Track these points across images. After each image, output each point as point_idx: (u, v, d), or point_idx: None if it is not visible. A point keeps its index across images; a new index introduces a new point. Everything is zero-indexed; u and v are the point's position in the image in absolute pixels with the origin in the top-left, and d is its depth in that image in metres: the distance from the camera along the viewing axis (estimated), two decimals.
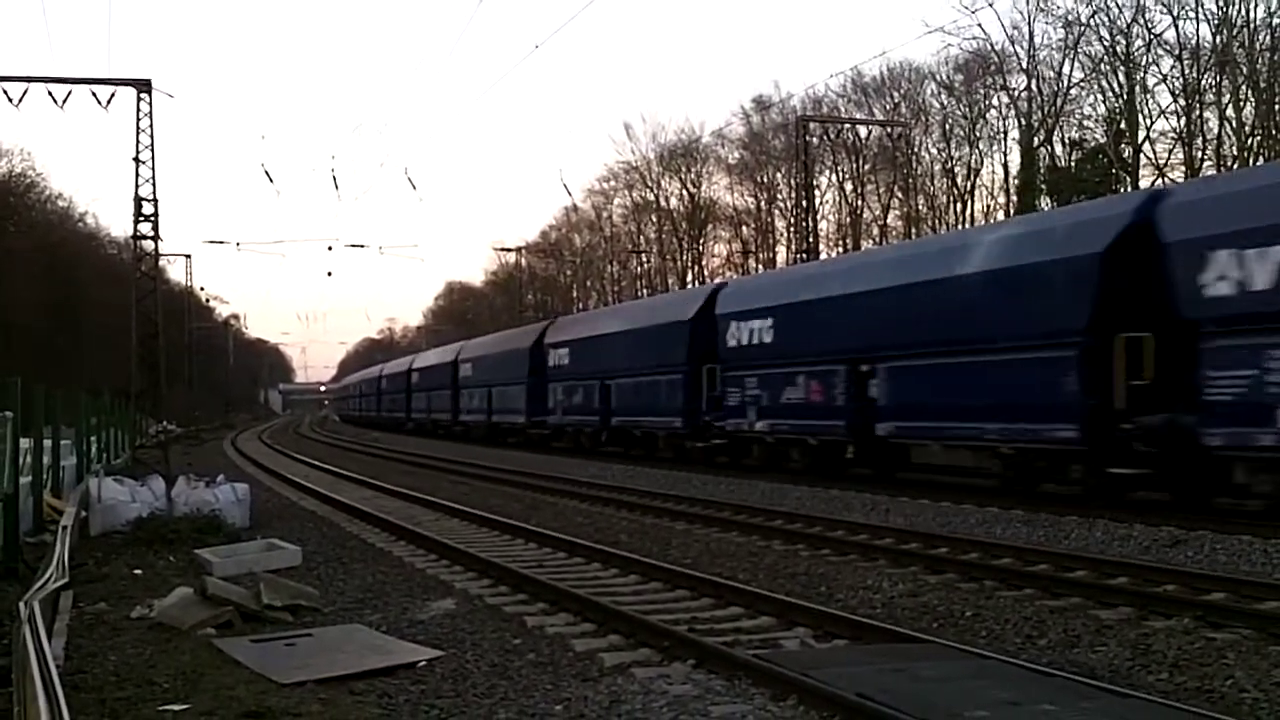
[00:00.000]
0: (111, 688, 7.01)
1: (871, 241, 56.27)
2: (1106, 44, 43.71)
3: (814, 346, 21.42)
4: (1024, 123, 47.41)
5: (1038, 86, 46.84)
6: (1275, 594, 9.17)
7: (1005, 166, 51.56)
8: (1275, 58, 38.80)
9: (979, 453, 17.50)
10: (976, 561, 11.37)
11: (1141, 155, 43.02)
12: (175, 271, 76.62)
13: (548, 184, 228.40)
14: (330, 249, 79.43)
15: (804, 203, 48.93)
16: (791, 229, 59.32)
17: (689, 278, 70.17)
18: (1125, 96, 43.53)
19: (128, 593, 10.51)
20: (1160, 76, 42.90)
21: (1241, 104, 40.30)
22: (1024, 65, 46.96)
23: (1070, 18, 44.37)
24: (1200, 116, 41.59)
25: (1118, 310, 14.81)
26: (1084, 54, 44.77)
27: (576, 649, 7.92)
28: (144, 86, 42.26)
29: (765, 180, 64.76)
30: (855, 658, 7.34)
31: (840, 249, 57.03)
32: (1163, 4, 41.57)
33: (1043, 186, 45.94)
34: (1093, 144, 46.19)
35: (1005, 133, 51.17)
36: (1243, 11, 39.57)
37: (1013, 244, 17.33)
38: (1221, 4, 39.85)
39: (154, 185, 42.39)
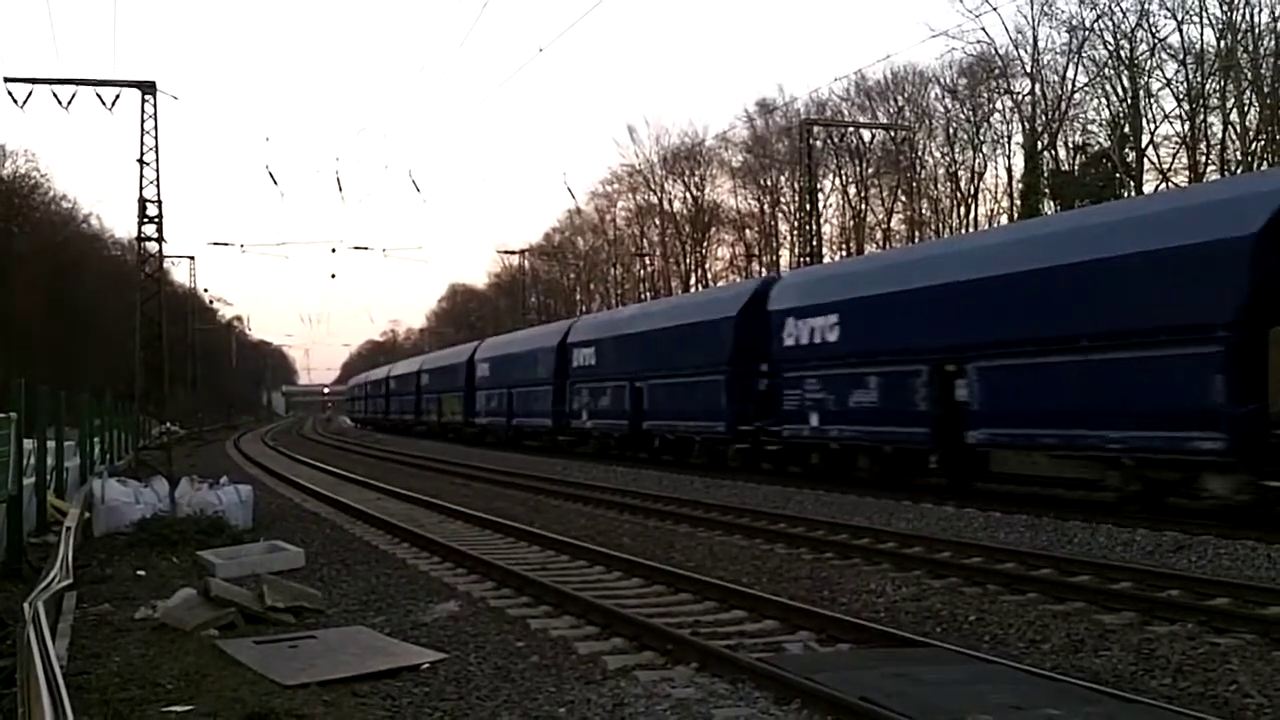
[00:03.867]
0: (115, 689, 7.01)
1: (875, 245, 56.21)
2: (1110, 48, 43.69)
3: None
4: (1028, 127, 47.34)
5: (1041, 91, 46.77)
6: (1279, 599, 9.16)
7: (1009, 170, 51.56)
8: (1279, 62, 38.76)
9: None
10: (980, 565, 11.39)
11: (1145, 160, 43.00)
12: (179, 273, 76.49)
13: (551, 187, 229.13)
14: (334, 251, 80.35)
15: (807, 206, 48.92)
16: (795, 232, 59.37)
17: (692, 281, 70.17)
18: (1129, 101, 43.47)
19: (131, 594, 10.52)
20: (1164, 81, 42.90)
21: (1246, 109, 40.30)
22: (1028, 69, 46.91)
23: (1074, 22, 44.39)
24: (1204, 121, 41.57)
25: None
26: (1088, 58, 44.76)
27: (580, 652, 7.92)
28: (149, 88, 42.18)
29: (769, 184, 64.75)
30: (859, 661, 7.34)
31: (843, 253, 56.96)
32: (1167, 8, 41.67)
33: (1046, 191, 45.89)
34: (1096, 148, 46.19)
35: (1009, 137, 51.20)
36: (1247, 16, 39.62)
37: None
38: (1226, 9, 39.86)
39: (158, 187, 42.18)
